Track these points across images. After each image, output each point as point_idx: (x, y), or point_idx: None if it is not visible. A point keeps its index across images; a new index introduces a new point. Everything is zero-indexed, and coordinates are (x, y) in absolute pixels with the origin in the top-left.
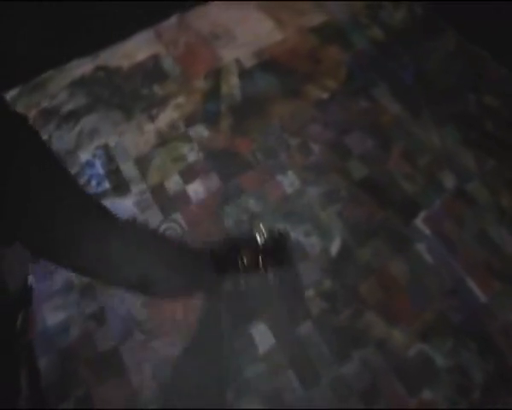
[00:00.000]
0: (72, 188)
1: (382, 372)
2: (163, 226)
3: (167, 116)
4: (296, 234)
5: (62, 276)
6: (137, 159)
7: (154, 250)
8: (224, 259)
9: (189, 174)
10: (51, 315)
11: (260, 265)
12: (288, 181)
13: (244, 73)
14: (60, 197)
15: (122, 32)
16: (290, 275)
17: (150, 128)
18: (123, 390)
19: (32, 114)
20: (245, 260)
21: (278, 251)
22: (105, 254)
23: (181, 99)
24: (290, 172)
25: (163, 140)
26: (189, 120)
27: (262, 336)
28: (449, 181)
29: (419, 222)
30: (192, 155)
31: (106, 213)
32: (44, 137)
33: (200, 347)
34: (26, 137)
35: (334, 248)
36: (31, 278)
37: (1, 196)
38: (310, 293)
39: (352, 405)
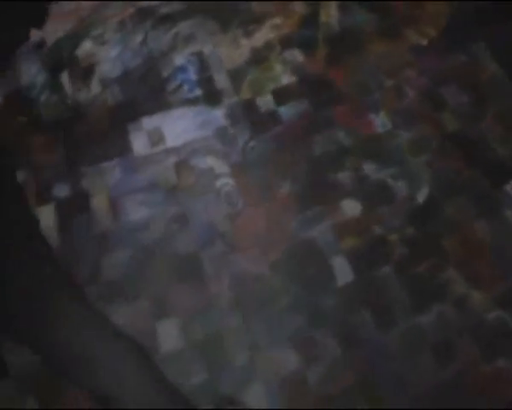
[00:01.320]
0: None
1: (458, 331)
2: (251, 144)
3: (263, 35)
4: (383, 175)
5: (147, 175)
6: (231, 71)
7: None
8: None
9: (281, 96)
10: (134, 210)
11: None
12: (380, 121)
13: (344, 6)
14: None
15: None
16: None
17: (246, 43)
18: (200, 295)
19: (128, 11)
20: None
21: None
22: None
23: (278, 20)
24: (382, 113)
25: (258, 58)
26: (285, 43)
27: (341, 269)
28: None
29: (510, 189)
30: (285, 78)
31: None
32: (140, 35)
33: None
34: None
35: (421, 196)
36: None
37: None
38: (393, 237)
39: (424, 357)
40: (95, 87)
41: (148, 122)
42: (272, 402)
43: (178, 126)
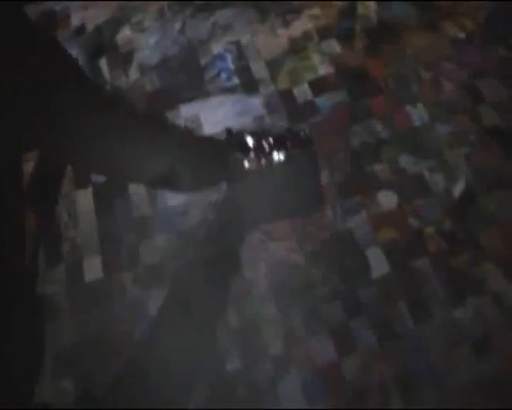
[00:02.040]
0: (97, 91)
1: (496, 326)
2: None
3: (302, 25)
4: (420, 168)
5: None
6: (268, 61)
7: (177, 142)
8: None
9: (318, 86)
10: (172, 196)
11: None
12: (418, 114)
13: None
14: (85, 103)
15: None
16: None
17: (284, 33)
18: (236, 282)
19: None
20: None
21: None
22: (132, 153)
23: (316, 11)
24: (420, 105)
25: (296, 48)
26: (323, 33)
27: (377, 260)
28: None
29: None
30: (323, 69)
31: (127, 109)
32: (178, 23)
33: None
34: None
35: (458, 189)
36: None
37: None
38: (429, 230)
39: (462, 351)
40: (133, 73)
41: (186, 110)
42: (307, 392)
43: (216, 114)
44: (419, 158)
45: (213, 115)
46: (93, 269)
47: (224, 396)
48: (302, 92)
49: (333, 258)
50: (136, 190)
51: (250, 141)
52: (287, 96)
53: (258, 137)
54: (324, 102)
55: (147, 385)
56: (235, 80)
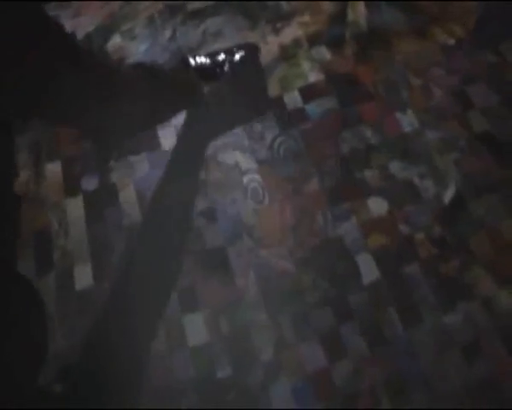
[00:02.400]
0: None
1: (485, 330)
2: (278, 140)
3: (292, 32)
4: (410, 174)
5: None
6: None
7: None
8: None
9: (308, 93)
10: None
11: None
12: (407, 120)
13: (371, 5)
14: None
15: None
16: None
17: (274, 40)
18: (227, 289)
19: (157, 7)
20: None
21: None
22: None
23: (306, 18)
24: (410, 112)
25: (286, 55)
26: (313, 40)
27: (368, 266)
28: None
29: None
30: (313, 75)
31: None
32: (169, 31)
33: None
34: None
35: (448, 195)
36: None
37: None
38: (419, 236)
39: (452, 356)
40: None
41: (176, 117)
42: (298, 399)
43: None
44: (409, 164)
45: None
46: (84, 277)
47: (214, 404)
48: (292, 99)
49: (323, 264)
50: (127, 198)
51: (202, 60)
52: (277, 103)
53: (209, 58)
54: (314, 108)
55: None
56: None
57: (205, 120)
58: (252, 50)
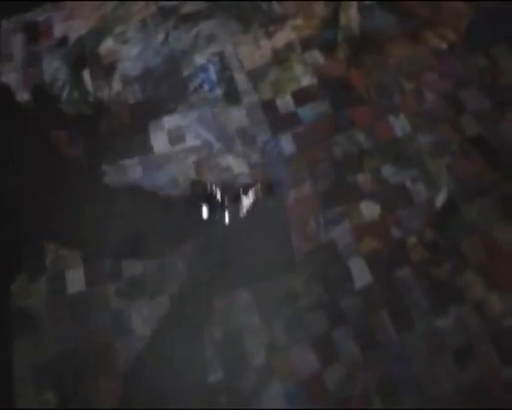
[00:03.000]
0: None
1: (477, 335)
2: (270, 144)
3: (285, 36)
4: (403, 178)
5: (167, 173)
6: (251, 71)
7: (141, 207)
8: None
9: (301, 97)
10: None
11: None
12: (400, 124)
13: (364, 8)
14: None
15: None
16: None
17: (266, 44)
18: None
19: (150, 10)
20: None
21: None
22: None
23: (299, 21)
24: (402, 116)
25: (278, 59)
26: (306, 44)
27: (360, 270)
28: None
29: None
30: (306, 79)
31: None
32: (161, 34)
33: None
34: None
35: (440, 199)
36: None
37: None
38: (412, 240)
39: (443, 359)
40: (116, 85)
41: (169, 121)
42: (291, 403)
43: (199, 125)
44: (401, 168)
45: (195, 126)
46: (76, 281)
47: (206, 406)
48: (285, 103)
49: (316, 268)
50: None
51: (216, 192)
52: (269, 107)
53: (224, 187)
54: (307, 112)
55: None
56: (218, 91)
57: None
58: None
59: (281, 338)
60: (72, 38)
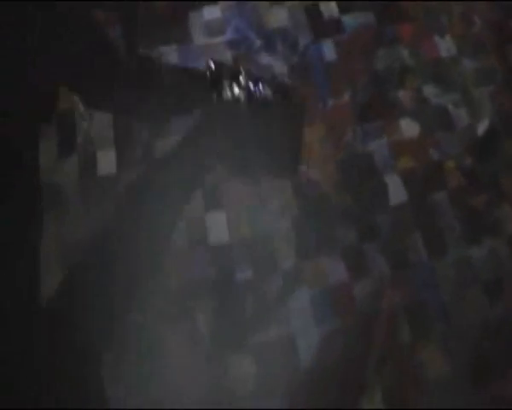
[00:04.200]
0: None
1: (509, 269)
2: (312, 48)
3: None
4: (444, 101)
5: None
6: None
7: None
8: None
9: (345, 5)
10: None
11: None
12: (445, 45)
13: None
14: None
15: None
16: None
17: None
18: (252, 193)
19: None
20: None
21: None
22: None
23: None
24: (448, 37)
25: None
26: None
27: (395, 187)
28: None
29: None
30: None
31: None
32: None
33: None
34: None
35: (482, 127)
36: None
37: None
38: (450, 164)
39: (473, 291)
40: None
41: (210, 12)
42: (316, 308)
43: (239, 20)
44: (443, 90)
45: (237, 21)
46: (107, 163)
47: (232, 306)
48: (329, 8)
49: (349, 179)
50: None
51: (230, 74)
52: (313, 11)
53: (239, 72)
54: (350, 21)
55: None
56: None
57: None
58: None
59: (311, 245)
60: None
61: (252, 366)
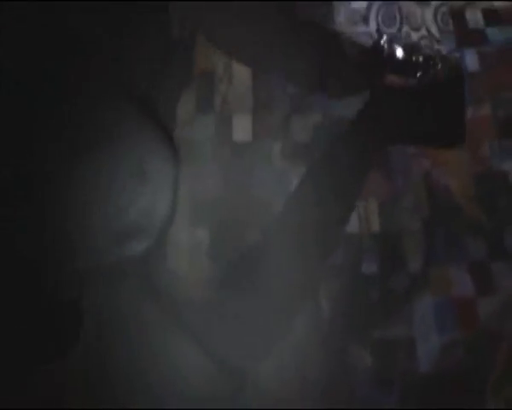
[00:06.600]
0: None
1: None
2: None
3: None
4: None
5: None
6: None
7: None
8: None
9: (492, 16)
10: None
11: None
12: None
13: None
14: None
15: None
16: None
17: None
18: (386, 188)
19: None
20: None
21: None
22: None
23: None
24: None
25: None
26: None
27: None
28: None
29: None
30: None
31: None
32: None
33: None
34: None
35: None
36: None
37: None
38: None
39: None
40: None
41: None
42: (439, 316)
43: (384, 12)
44: None
45: (381, 16)
46: (242, 129)
47: (356, 297)
48: (474, 17)
49: (485, 195)
50: None
51: (399, 53)
52: (458, 17)
53: (408, 51)
54: (495, 33)
55: None
56: None
57: (379, 123)
58: (456, 67)
59: (439, 253)
60: None
61: (368, 359)
